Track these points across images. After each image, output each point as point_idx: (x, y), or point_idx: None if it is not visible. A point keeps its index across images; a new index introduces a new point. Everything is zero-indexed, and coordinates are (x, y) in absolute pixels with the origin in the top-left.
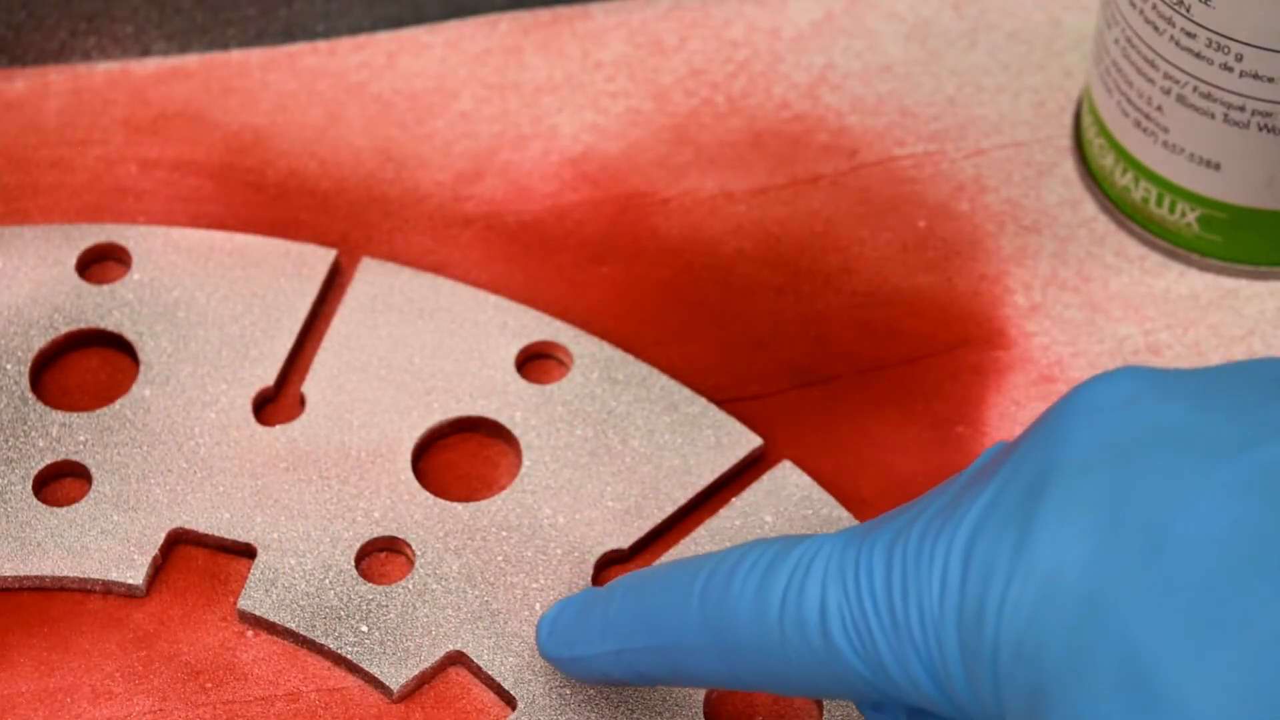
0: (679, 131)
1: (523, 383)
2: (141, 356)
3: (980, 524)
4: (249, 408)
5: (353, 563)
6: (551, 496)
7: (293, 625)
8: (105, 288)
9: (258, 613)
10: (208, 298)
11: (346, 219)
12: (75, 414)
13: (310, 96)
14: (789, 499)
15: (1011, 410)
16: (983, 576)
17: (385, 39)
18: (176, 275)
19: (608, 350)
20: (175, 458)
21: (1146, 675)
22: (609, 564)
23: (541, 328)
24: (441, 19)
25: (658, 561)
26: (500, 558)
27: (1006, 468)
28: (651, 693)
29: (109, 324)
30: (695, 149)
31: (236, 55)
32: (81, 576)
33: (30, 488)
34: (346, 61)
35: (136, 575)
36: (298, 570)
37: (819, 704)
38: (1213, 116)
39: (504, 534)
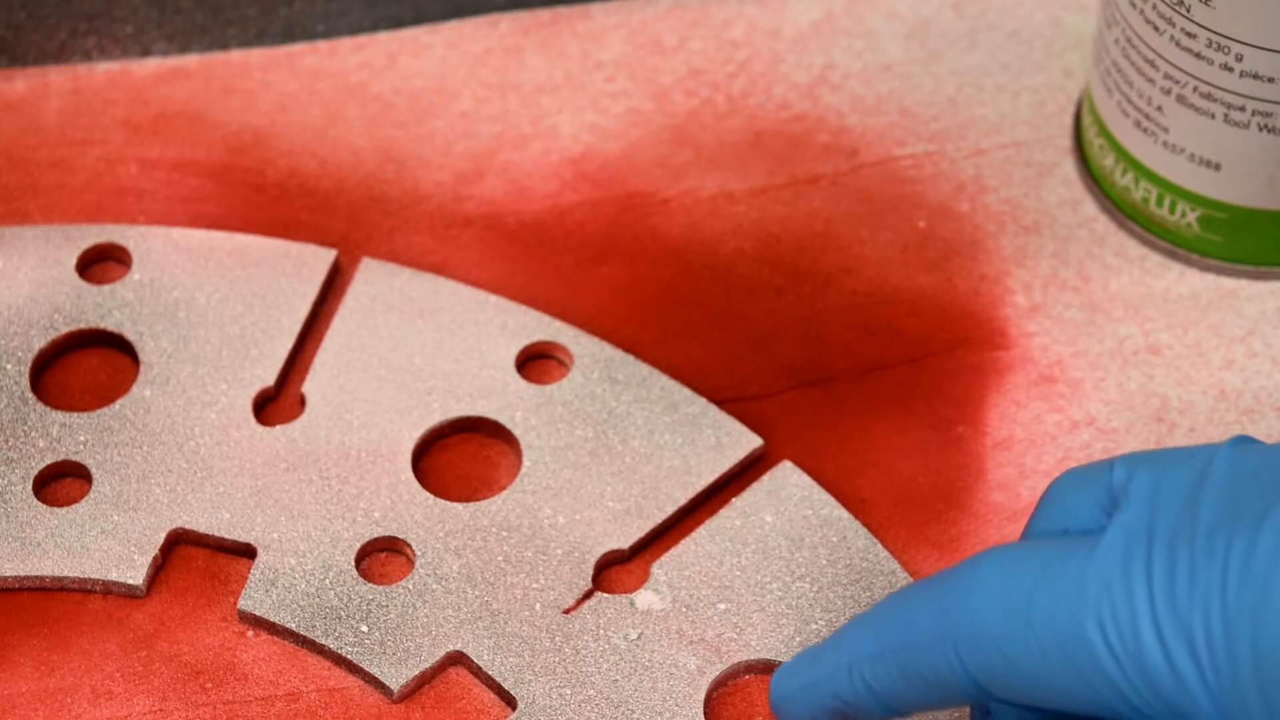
0: (679, 131)
1: (523, 383)
2: (141, 356)
3: (1262, 521)
4: (249, 408)
5: (353, 563)
6: (551, 497)
7: (293, 625)
8: (105, 288)
9: (258, 613)
10: (208, 298)
11: (346, 219)
12: (75, 414)
13: (310, 96)
14: (789, 499)
15: (1011, 410)
16: (1270, 566)
17: (385, 39)
18: (176, 275)
19: (608, 350)
20: (175, 458)
21: None
22: (609, 564)
23: (541, 328)
24: (441, 19)
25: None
26: (500, 558)
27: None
28: (652, 693)
29: (109, 324)
30: (695, 149)
31: (237, 55)
32: (82, 577)
33: (30, 488)
34: (347, 61)
35: (136, 575)
36: (298, 570)
37: None
38: (1213, 117)
39: (504, 534)
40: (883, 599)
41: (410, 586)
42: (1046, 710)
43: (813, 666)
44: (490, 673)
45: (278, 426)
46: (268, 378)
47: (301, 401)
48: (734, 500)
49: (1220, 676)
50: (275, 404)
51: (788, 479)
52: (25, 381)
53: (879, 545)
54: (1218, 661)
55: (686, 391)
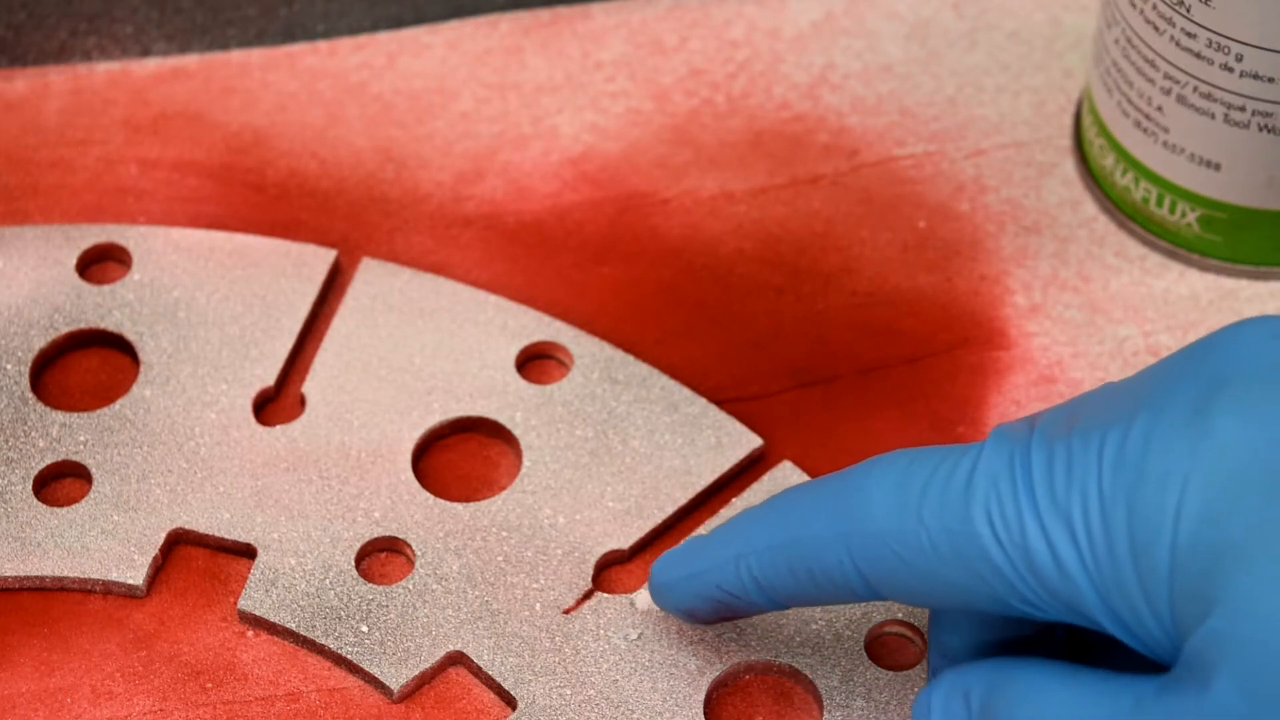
0: (679, 131)
1: (523, 383)
2: (141, 356)
3: (1156, 416)
4: (249, 408)
5: (353, 563)
6: (551, 497)
7: (293, 625)
8: (105, 288)
9: (258, 613)
10: (208, 298)
11: (346, 219)
12: (75, 414)
13: (310, 96)
14: None
15: (1011, 410)
16: (1163, 456)
17: (385, 39)
18: (176, 275)
19: (608, 350)
20: (175, 458)
21: None
22: (609, 564)
23: (541, 328)
24: (441, 19)
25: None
26: (500, 558)
27: (1159, 381)
28: (652, 693)
29: (109, 324)
30: (695, 149)
31: (237, 55)
32: (82, 577)
33: (30, 488)
34: (347, 62)
35: (137, 575)
36: (298, 570)
37: (820, 705)
38: (1213, 117)
39: (504, 534)
40: (774, 496)
41: (410, 586)
42: (991, 640)
43: (698, 557)
44: (490, 673)
45: (278, 426)
46: (268, 378)
47: (301, 401)
48: (734, 500)
49: (1099, 560)
50: (275, 404)
51: (788, 479)
52: (25, 381)
53: None
54: (1095, 546)
55: (686, 391)
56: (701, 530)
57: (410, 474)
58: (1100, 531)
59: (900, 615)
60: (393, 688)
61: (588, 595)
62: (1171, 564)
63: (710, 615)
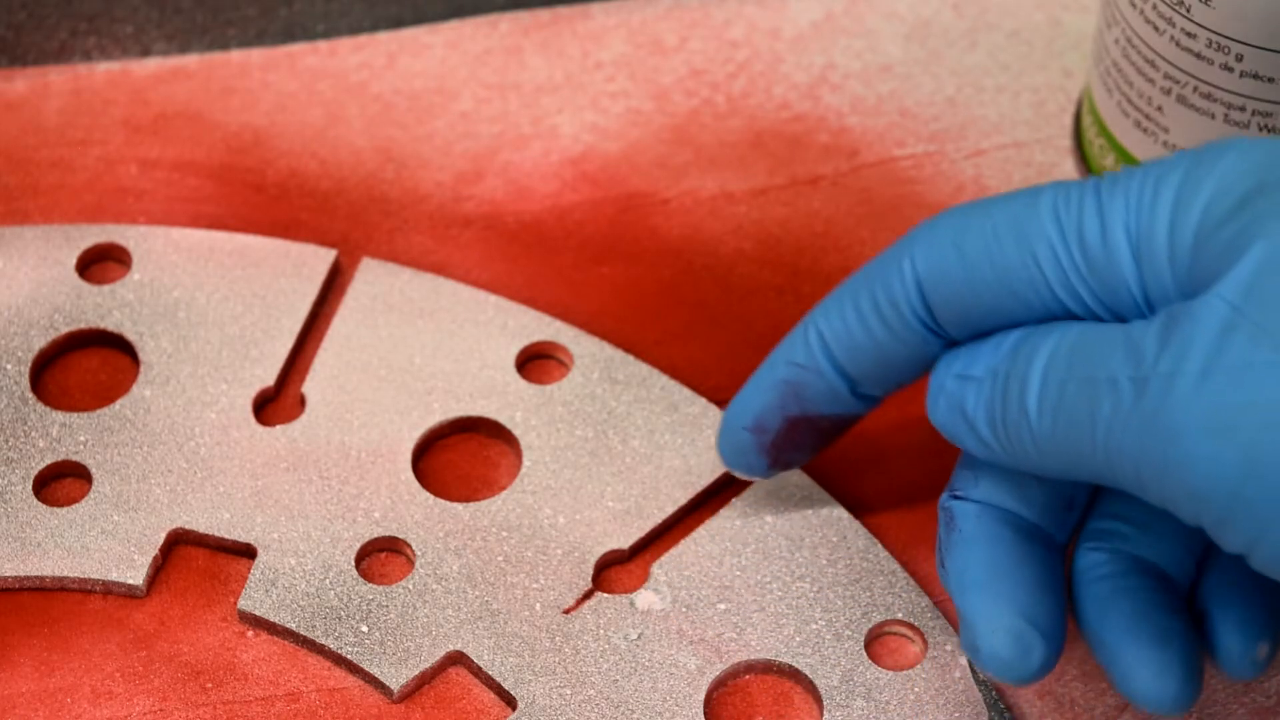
0: (679, 131)
1: (523, 383)
2: (141, 356)
3: (1227, 143)
4: (249, 408)
5: (353, 563)
6: (551, 497)
7: (293, 625)
8: (105, 288)
9: (258, 613)
10: (208, 298)
11: (346, 219)
12: (75, 414)
13: (310, 96)
14: (789, 499)
15: None
16: (1217, 152)
17: (385, 39)
18: (176, 275)
19: (608, 350)
20: (175, 458)
21: None
22: (609, 564)
23: (541, 328)
24: (441, 19)
25: (657, 562)
26: (500, 558)
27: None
28: (652, 693)
29: (109, 324)
30: (695, 149)
31: (237, 55)
32: (82, 577)
33: (30, 488)
34: (347, 61)
35: (136, 575)
36: (298, 570)
37: (820, 705)
38: (1213, 117)
39: (504, 534)
40: None
41: (410, 586)
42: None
43: (773, 350)
44: (490, 673)
45: (278, 426)
46: (268, 378)
47: (301, 401)
48: (734, 500)
49: (1141, 224)
50: (275, 404)
51: (788, 479)
52: (25, 381)
53: (879, 545)
54: (1143, 210)
55: (686, 391)
56: (701, 530)
57: (410, 474)
58: (1151, 196)
59: (900, 615)
60: (393, 688)
61: (588, 595)
62: (1205, 209)
63: (779, 416)
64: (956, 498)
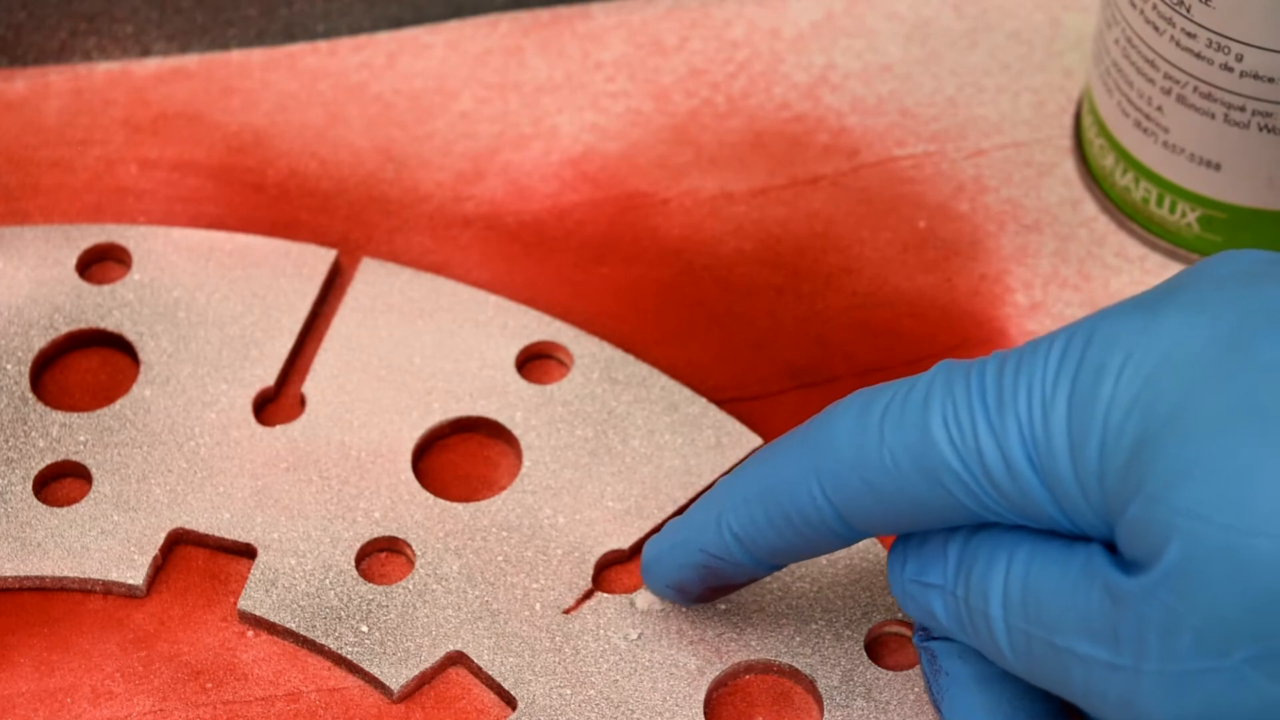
0: (679, 131)
1: (523, 383)
2: (141, 356)
3: (1105, 316)
4: (249, 408)
5: (353, 563)
6: (551, 497)
7: (293, 625)
8: (105, 288)
9: (258, 613)
10: (208, 298)
11: (346, 219)
12: (75, 414)
13: (310, 96)
14: None
15: None
16: (1105, 347)
17: (385, 39)
18: (176, 275)
19: (608, 350)
20: (175, 458)
21: (1267, 410)
22: (609, 564)
23: (541, 328)
24: (441, 19)
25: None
26: (500, 558)
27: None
28: (652, 693)
29: (109, 324)
30: (695, 149)
31: (237, 55)
32: (82, 576)
33: (30, 488)
34: (347, 61)
35: (136, 575)
36: (298, 570)
37: (820, 705)
38: (1213, 116)
39: (504, 534)
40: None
41: (410, 586)
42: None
43: (682, 526)
44: (490, 673)
45: (278, 426)
46: (268, 378)
47: (301, 401)
48: None
49: (1042, 456)
50: (275, 404)
51: None
52: (25, 381)
53: (879, 545)
54: (1038, 441)
55: (686, 391)
56: None
57: (410, 474)
58: (1041, 426)
59: (900, 615)
60: (393, 688)
61: (588, 595)
62: (1100, 455)
63: (699, 585)
64: (934, 638)
